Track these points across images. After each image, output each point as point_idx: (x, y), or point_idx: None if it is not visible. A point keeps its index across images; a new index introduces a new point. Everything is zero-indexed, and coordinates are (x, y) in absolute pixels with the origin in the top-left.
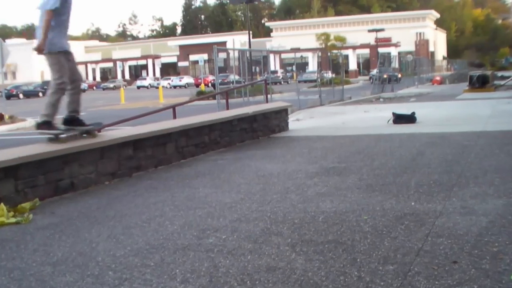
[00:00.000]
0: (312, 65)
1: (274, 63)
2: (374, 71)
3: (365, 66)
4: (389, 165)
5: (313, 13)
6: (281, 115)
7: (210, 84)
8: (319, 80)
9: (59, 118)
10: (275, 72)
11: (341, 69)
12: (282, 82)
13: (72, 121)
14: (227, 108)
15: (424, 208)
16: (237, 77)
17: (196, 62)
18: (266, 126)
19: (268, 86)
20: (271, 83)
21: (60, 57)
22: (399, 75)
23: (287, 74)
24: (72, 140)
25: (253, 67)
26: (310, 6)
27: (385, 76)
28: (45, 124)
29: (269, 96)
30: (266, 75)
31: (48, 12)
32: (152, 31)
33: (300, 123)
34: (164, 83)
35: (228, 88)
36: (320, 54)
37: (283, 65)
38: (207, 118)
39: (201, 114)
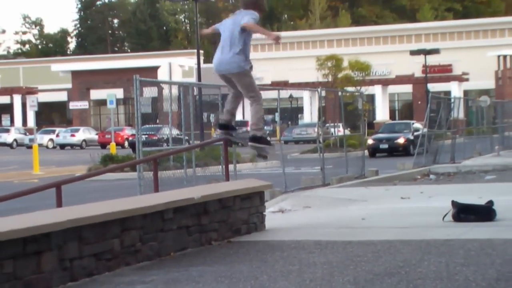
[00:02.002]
0: (310, 113)
1: (243, 108)
2: (419, 126)
3: (404, 115)
4: None
5: (312, 20)
6: (252, 202)
7: (126, 143)
8: (321, 139)
9: None
10: (243, 123)
11: (361, 120)
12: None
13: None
14: (156, 190)
15: None
16: (175, 132)
17: (103, 103)
18: (225, 223)
19: (231, 149)
20: (236, 143)
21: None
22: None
23: (265, 127)
24: None
25: (205, 115)
26: (308, 8)
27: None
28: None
29: (232, 167)
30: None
31: None
32: (22, 44)
33: (286, 217)
34: (43, 139)
35: (160, 154)
36: (323, 93)
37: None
38: (117, 206)
39: (107, 199)
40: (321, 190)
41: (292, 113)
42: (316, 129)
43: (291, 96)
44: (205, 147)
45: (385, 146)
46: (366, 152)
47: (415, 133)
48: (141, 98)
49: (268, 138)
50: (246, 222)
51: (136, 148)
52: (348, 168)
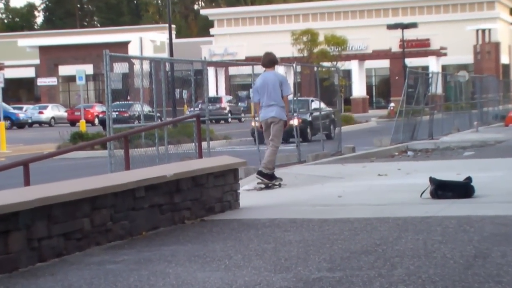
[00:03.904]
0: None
1: (216, 84)
2: (321, 105)
3: (381, 90)
4: (423, 276)
5: None
6: (226, 180)
7: (97, 121)
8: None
9: None
10: (217, 100)
11: (337, 96)
12: (231, 120)
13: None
14: (128, 168)
15: None
16: (147, 109)
17: (72, 79)
18: (198, 201)
19: (204, 126)
20: (209, 120)
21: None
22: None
23: (239, 104)
24: None
25: (178, 91)
26: None
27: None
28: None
29: (205, 144)
30: (200, 106)
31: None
32: None
33: (261, 195)
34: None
35: (131, 131)
36: (299, 68)
37: (232, 87)
38: (88, 185)
39: (77, 177)
40: (296, 168)
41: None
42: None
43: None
44: (178, 124)
45: None
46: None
47: (314, 114)
48: (112, 74)
49: (274, 177)
50: (220, 200)
51: (107, 125)
52: (324, 145)
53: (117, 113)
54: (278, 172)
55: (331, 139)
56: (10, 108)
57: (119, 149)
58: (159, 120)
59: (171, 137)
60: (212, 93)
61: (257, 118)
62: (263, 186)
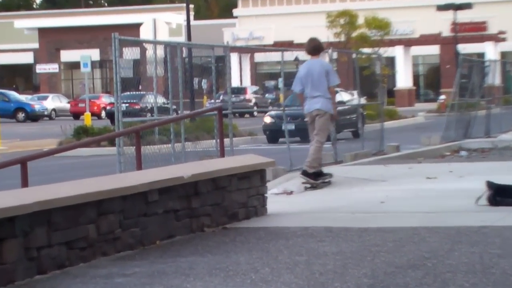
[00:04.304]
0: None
1: (240, 73)
2: (353, 95)
3: (430, 81)
4: None
5: None
6: (251, 183)
7: (104, 114)
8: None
9: None
10: (241, 90)
11: (379, 87)
12: (257, 113)
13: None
14: (139, 167)
15: None
16: (161, 100)
17: (76, 66)
18: (220, 206)
19: (226, 120)
20: (232, 114)
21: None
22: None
23: (266, 95)
24: None
25: (196, 80)
26: None
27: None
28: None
29: (228, 141)
30: (222, 97)
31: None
32: None
33: (291, 200)
34: None
35: (143, 125)
36: (335, 55)
37: (259, 76)
38: (93, 186)
39: (81, 178)
40: (332, 169)
41: None
42: None
43: (296, 59)
44: (196, 118)
45: (292, 126)
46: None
47: (338, 108)
48: (121, 61)
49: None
50: (244, 206)
51: (115, 119)
52: (364, 143)
53: (127, 105)
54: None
55: (359, 137)
56: (22, 98)
57: (130, 146)
58: (175, 113)
59: (188, 132)
60: (235, 83)
61: (272, 113)
62: (308, 186)
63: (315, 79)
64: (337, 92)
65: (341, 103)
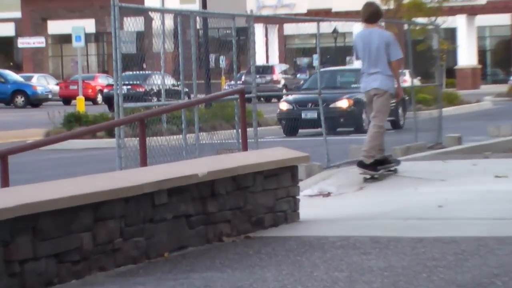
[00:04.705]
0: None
1: (266, 48)
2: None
3: (499, 58)
4: None
5: None
6: (280, 182)
7: (100, 98)
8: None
9: None
10: (268, 70)
11: (436, 66)
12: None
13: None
14: (144, 163)
15: None
16: (170, 82)
17: (66, 39)
18: (242, 211)
19: (249, 105)
20: (257, 98)
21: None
22: None
23: (298, 75)
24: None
25: (213, 57)
26: None
27: None
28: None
29: (251, 131)
30: (244, 78)
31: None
32: None
33: (329, 203)
34: None
35: (148, 112)
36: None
37: (289, 52)
38: (88, 186)
39: (73, 176)
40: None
41: (337, 55)
42: None
43: (335, 31)
44: (213, 103)
45: (313, 115)
46: (280, 128)
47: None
48: (122, 33)
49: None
50: (271, 210)
51: (115, 104)
52: (417, 133)
53: (128, 87)
54: (351, 171)
55: (400, 128)
56: (21, 79)
57: (132, 137)
58: (187, 98)
59: (203, 121)
60: (260, 60)
61: (289, 97)
62: (368, 177)
63: (373, 52)
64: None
65: None
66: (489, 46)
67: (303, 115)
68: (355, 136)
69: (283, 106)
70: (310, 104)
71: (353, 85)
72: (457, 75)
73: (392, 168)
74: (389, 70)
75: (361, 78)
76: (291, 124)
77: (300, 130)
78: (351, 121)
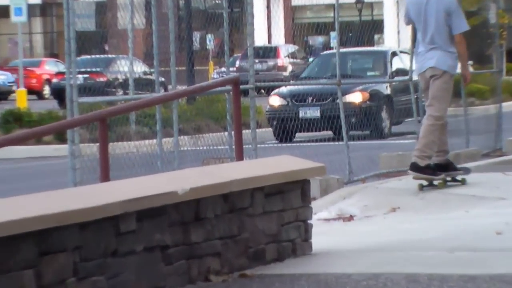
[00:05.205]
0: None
1: (268, 23)
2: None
3: None
4: None
5: None
6: (286, 201)
7: (48, 90)
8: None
9: None
10: (270, 52)
11: (493, 47)
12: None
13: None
14: (105, 177)
15: None
16: (141, 68)
17: (3, 13)
18: (235, 240)
19: (245, 100)
20: (256, 89)
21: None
22: None
23: (311, 59)
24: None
25: (197, 35)
26: None
27: None
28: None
29: (248, 133)
30: (239, 63)
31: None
32: None
33: (351, 229)
34: None
35: (112, 109)
36: None
37: (298, 29)
38: (32, 208)
39: (11, 194)
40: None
41: (363, 32)
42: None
43: (360, 1)
44: (197, 98)
45: (315, 113)
46: (271, 130)
47: (397, 77)
48: (76, 4)
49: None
50: (275, 239)
51: (67, 99)
52: (469, 136)
53: (86, 75)
54: (381, 187)
55: (384, 138)
56: None
57: (90, 142)
58: (163, 90)
59: (185, 120)
60: (261, 40)
61: (283, 89)
62: (425, 183)
63: (431, 23)
64: None
65: (402, 72)
66: None
67: (301, 114)
68: (382, 140)
69: (274, 101)
70: (310, 99)
71: (369, 73)
72: None
73: (458, 178)
74: (451, 45)
75: (415, 57)
76: (285, 126)
77: (298, 134)
78: (366, 122)
